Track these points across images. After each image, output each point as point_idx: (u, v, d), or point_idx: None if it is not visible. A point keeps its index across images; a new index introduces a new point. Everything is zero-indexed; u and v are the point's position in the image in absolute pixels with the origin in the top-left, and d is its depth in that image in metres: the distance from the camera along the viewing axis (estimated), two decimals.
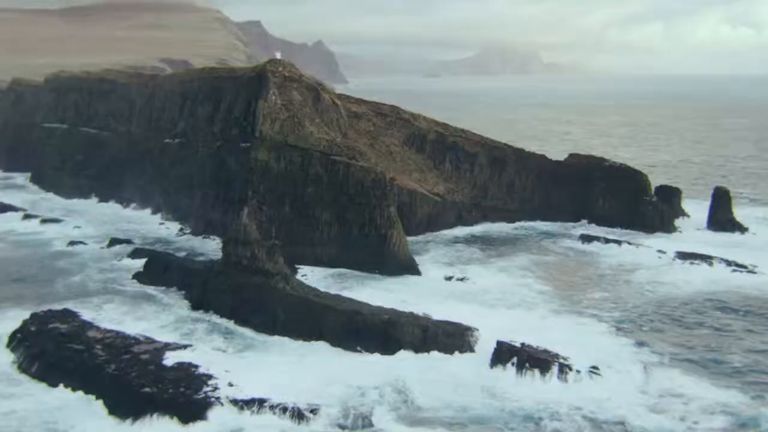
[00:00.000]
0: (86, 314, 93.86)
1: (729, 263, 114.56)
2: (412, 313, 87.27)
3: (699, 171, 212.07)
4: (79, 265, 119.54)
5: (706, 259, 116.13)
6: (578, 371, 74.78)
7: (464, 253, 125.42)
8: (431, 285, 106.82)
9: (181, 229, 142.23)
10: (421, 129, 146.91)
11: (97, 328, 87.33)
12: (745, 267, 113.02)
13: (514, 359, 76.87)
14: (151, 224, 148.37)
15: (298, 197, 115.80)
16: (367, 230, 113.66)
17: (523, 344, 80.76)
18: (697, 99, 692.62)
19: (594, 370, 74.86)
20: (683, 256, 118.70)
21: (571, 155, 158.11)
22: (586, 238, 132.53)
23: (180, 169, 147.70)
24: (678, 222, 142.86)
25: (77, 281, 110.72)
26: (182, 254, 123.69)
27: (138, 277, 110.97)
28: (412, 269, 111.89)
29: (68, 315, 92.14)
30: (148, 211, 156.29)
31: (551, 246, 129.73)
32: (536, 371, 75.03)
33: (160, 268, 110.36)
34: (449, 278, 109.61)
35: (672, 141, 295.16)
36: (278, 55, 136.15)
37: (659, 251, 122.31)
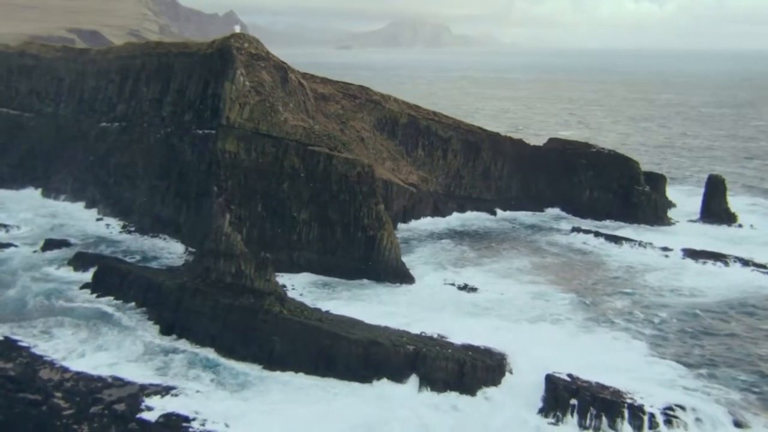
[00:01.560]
0: (32, 343, 77.56)
1: (745, 262, 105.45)
2: (437, 339, 74.21)
3: (660, 153, 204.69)
4: (10, 274, 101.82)
5: (719, 258, 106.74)
6: (652, 415, 62.73)
7: (453, 252, 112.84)
8: (431, 295, 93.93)
9: (124, 226, 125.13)
10: (392, 112, 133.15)
11: (52, 366, 71.33)
12: (764, 267, 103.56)
13: (574, 401, 64.38)
14: (87, 220, 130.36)
15: (272, 194, 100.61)
16: (353, 231, 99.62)
17: (571, 376, 68.91)
18: (621, 73, 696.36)
19: (670, 413, 62.92)
20: (692, 254, 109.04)
21: (551, 140, 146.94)
22: (578, 232, 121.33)
23: (121, 157, 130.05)
24: (668, 212, 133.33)
25: (13, 297, 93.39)
26: (134, 259, 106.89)
27: (88, 288, 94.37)
28: (406, 276, 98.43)
29: (10, 347, 75.56)
30: (81, 204, 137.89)
31: (544, 243, 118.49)
32: (603, 418, 62.63)
33: (114, 279, 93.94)
34: (449, 285, 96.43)
35: (618, 119, 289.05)
36: (237, 29, 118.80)
37: (663, 249, 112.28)
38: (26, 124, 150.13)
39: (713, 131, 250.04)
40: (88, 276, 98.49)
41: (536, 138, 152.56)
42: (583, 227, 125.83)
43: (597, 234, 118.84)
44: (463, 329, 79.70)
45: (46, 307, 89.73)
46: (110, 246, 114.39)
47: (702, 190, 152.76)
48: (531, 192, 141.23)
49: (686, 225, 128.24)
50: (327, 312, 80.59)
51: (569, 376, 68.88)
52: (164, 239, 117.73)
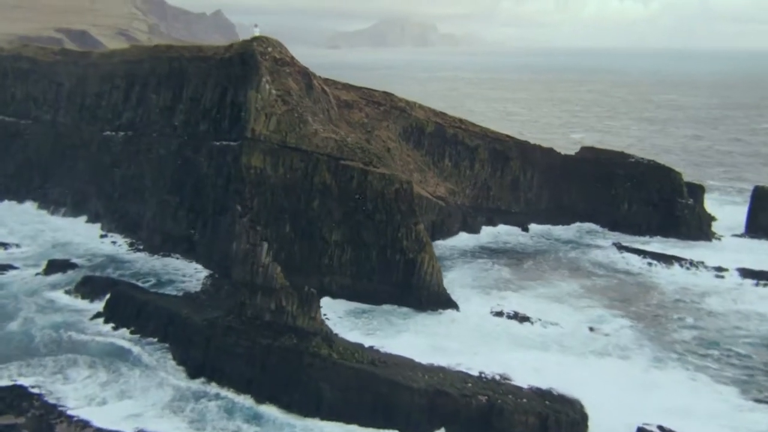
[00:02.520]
0: (45, 389, 68.66)
1: None
2: (505, 384, 65.65)
3: (677, 157, 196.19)
4: (12, 301, 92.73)
5: None
6: None
7: (491, 273, 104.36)
8: (480, 325, 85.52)
9: (131, 244, 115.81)
10: (419, 120, 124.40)
11: (69, 421, 62.29)
12: None
13: None
14: (90, 236, 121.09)
15: (301, 213, 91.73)
16: (391, 254, 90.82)
17: (663, 429, 60.97)
18: (615, 73, 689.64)
19: None
20: (750, 275, 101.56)
21: (584, 148, 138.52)
22: (622, 250, 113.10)
23: (127, 169, 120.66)
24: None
25: (17, 330, 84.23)
26: (147, 283, 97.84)
27: (100, 317, 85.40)
28: (449, 303, 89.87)
29: (20, 395, 66.51)
30: (82, 218, 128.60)
31: (586, 263, 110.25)
32: None
33: (129, 309, 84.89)
34: (498, 314, 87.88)
35: (625, 122, 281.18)
36: (257, 31, 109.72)
37: (717, 269, 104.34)
38: (22, 131, 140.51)
39: (726, 135, 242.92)
40: (98, 303, 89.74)
41: (547, 143, 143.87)
42: (624, 243, 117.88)
43: (643, 253, 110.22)
44: (524, 367, 72.03)
45: (56, 342, 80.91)
46: (119, 267, 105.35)
47: (733, 199, 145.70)
48: (562, 204, 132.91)
49: (732, 240, 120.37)
50: (374, 348, 71.82)
51: (660, 428, 60.75)
52: (176, 258, 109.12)
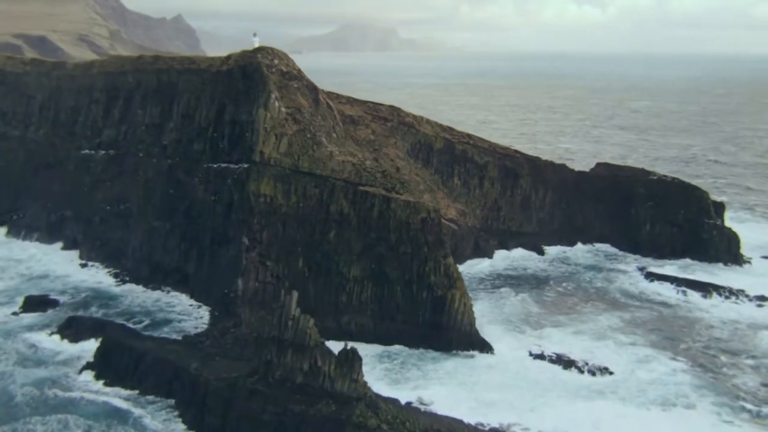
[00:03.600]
0: None
1: None
2: None
3: (677, 168, 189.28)
4: None
5: None
6: None
7: (517, 305, 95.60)
8: (522, 371, 76.70)
9: (116, 275, 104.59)
10: (427, 136, 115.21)
11: None
12: None
13: None
14: (69, 266, 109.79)
15: (316, 246, 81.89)
16: (417, 291, 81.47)
17: None
18: (585, 79, 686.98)
19: None
20: None
21: (599, 165, 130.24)
22: (651, 277, 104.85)
23: (109, 192, 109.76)
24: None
25: None
26: (140, 324, 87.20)
27: (91, 370, 74.53)
28: (482, 345, 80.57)
29: None
30: (58, 245, 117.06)
31: (616, 292, 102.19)
32: None
33: (125, 360, 74.26)
34: (539, 357, 78.82)
35: (609, 130, 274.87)
36: (256, 41, 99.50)
37: (759, 298, 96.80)
38: None
39: (715, 143, 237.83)
40: (86, 349, 78.99)
41: (537, 153, 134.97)
42: (649, 267, 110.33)
43: (675, 280, 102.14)
44: (588, 424, 62.90)
45: (40, 401, 70.43)
46: (106, 304, 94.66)
47: (747, 216, 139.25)
48: (576, 224, 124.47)
49: (764, 264, 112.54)
50: (420, 408, 62.26)
51: None
52: (168, 292, 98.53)
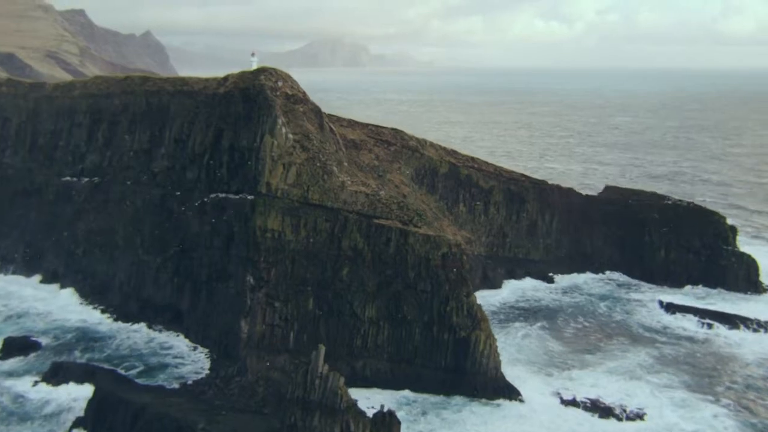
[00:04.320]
0: None
1: None
2: None
3: (672, 189, 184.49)
4: None
5: None
6: None
7: (535, 342, 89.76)
8: (555, 421, 70.93)
9: (102, 311, 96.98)
10: (432, 161, 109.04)
11: None
12: None
13: None
14: (49, 302, 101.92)
15: (327, 284, 75.15)
16: (438, 332, 75.05)
17: None
18: (559, 94, 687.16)
19: None
20: None
21: (608, 188, 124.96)
22: (672, 309, 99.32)
23: (93, 222, 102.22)
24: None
25: None
26: (134, 370, 79.82)
27: (83, 428, 67.07)
28: (510, 390, 74.20)
29: None
30: (35, 278, 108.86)
31: (637, 326, 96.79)
32: None
33: (120, 415, 66.73)
34: (571, 403, 72.59)
35: (595, 148, 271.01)
36: (254, 62, 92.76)
37: None
38: None
39: (704, 161, 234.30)
40: (76, 398, 71.66)
41: (527, 173, 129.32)
42: (665, 297, 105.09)
43: (697, 312, 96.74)
44: None
45: None
46: (93, 347, 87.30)
47: (756, 240, 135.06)
48: (585, 251, 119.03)
49: None
50: None
51: None
52: (159, 330, 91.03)
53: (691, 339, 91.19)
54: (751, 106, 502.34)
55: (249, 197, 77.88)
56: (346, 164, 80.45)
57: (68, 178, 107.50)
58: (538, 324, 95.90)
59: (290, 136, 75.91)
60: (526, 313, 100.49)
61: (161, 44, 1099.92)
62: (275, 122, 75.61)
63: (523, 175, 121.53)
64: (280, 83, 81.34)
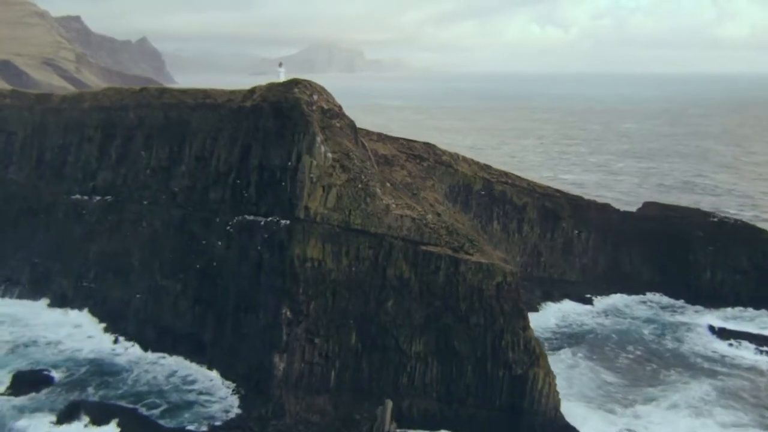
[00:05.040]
0: None
1: None
2: None
3: (697, 197, 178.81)
4: None
5: None
6: None
7: (588, 374, 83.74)
8: None
9: (115, 340, 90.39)
10: (466, 176, 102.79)
11: None
12: None
13: None
14: (59, 329, 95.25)
15: (371, 317, 68.68)
16: (492, 369, 68.52)
17: None
18: (560, 99, 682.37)
19: None
20: None
21: (647, 204, 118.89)
22: (723, 335, 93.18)
23: (106, 244, 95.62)
24: None
25: None
26: (155, 409, 73.16)
27: None
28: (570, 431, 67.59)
29: None
30: (43, 302, 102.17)
31: (689, 353, 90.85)
32: None
33: None
34: None
35: (606, 156, 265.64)
36: (282, 73, 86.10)
37: None
38: None
39: (721, 170, 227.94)
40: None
41: (543, 182, 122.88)
42: (713, 320, 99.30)
43: (755, 338, 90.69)
44: None
45: None
46: (109, 381, 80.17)
47: None
48: (623, 270, 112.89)
49: None
50: None
51: None
52: (180, 362, 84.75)
53: (754, 370, 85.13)
54: (754, 112, 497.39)
55: (283, 221, 71.33)
56: (389, 185, 73.82)
57: (78, 196, 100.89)
58: (585, 352, 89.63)
59: (329, 155, 69.45)
60: (570, 339, 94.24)
61: (157, 50, 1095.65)
62: (313, 140, 69.11)
63: (557, 191, 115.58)
64: (315, 96, 74.87)
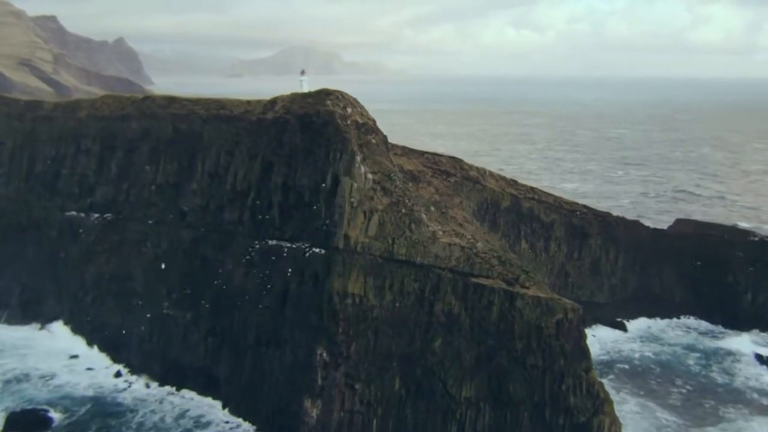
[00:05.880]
0: None
1: None
2: None
3: (709, 210, 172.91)
4: None
5: None
6: None
7: (641, 413, 77.48)
8: None
9: (118, 373, 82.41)
10: (494, 193, 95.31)
11: None
12: None
13: None
14: (52, 358, 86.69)
15: (416, 358, 61.08)
16: (551, 416, 61.10)
17: None
18: (541, 104, 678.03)
19: None
20: None
21: (680, 221, 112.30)
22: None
23: (105, 265, 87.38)
24: None
25: None
26: None
27: None
28: None
29: None
30: (33, 326, 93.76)
31: (745, 387, 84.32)
32: None
33: None
34: None
35: (604, 164, 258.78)
36: (305, 82, 78.26)
37: None
38: None
39: (729, 181, 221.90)
40: None
41: (551, 188, 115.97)
42: (759, 348, 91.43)
43: None
44: None
45: None
46: (112, 425, 71.85)
47: None
48: (654, 291, 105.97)
49: None
50: None
51: None
52: (191, 399, 76.77)
53: None
54: (740, 119, 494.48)
55: (316, 250, 63.51)
56: (433, 209, 66.26)
57: (74, 212, 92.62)
58: (631, 387, 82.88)
59: (369, 176, 61.82)
60: (611, 371, 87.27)
61: (134, 51, 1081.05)
62: (353, 159, 61.45)
63: (584, 206, 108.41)
64: (349, 109, 67.22)
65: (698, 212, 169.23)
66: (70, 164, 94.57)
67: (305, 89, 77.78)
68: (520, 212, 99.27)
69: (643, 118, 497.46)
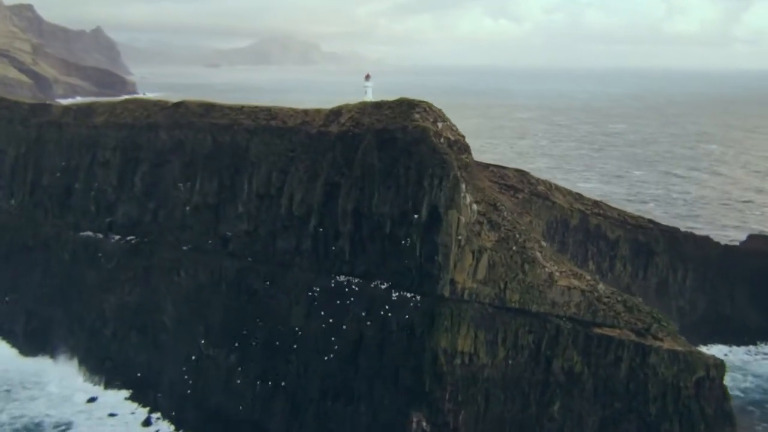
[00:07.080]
0: None
1: None
2: None
3: (743, 216, 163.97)
4: None
5: None
6: None
7: None
8: None
9: (147, 421, 72.13)
10: (563, 210, 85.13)
11: None
12: None
13: None
14: (66, 401, 76.81)
15: (531, 425, 50.49)
16: None
17: None
18: (529, 96, 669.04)
19: None
20: None
21: (753, 237, 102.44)
22: None
23: (128, 295, 76.02)
24: None
25: None
26: None
27: None
28: None
29: None
30: (41, 359, 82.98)
31: None
32: None
33: None
34: None
35: (620, 162, 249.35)
36: (369, 88, 66.90)
37: None
38: None
39: (743, 178, 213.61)
40: None
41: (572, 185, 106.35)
42: None
43: None
44: None
45: None
46: None
47: None
48: (725, 314, 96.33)
49: None
50: None
51: None
52: None
53: None
54: (732, 111, 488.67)
55: (405, 294, 52.80)
56: (546, 244, 55.79)
57: (90, 233, 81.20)
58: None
59: (474, 206, 51.05)
60: None
61: (112, 41, 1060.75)
62: (457, 188, 50.72)
63: (650, 221, 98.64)
64: (440, 125, 56.44)
65: (732, 219, 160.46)
66: (84, 177, 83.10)
67: (369, 97, 66.67)
68: (587, 230, 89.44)
69: (635, 111, 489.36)
